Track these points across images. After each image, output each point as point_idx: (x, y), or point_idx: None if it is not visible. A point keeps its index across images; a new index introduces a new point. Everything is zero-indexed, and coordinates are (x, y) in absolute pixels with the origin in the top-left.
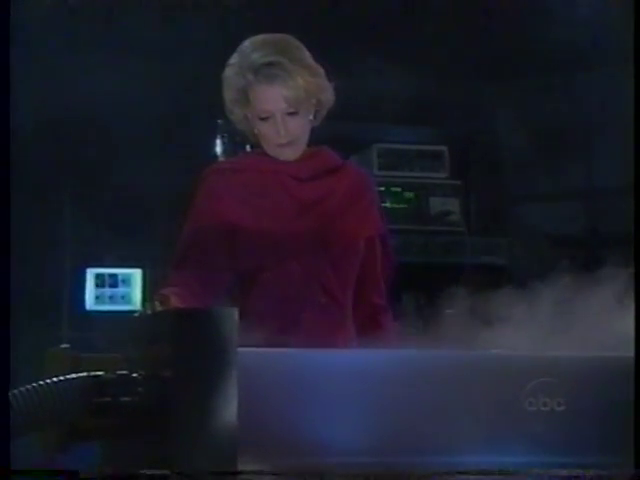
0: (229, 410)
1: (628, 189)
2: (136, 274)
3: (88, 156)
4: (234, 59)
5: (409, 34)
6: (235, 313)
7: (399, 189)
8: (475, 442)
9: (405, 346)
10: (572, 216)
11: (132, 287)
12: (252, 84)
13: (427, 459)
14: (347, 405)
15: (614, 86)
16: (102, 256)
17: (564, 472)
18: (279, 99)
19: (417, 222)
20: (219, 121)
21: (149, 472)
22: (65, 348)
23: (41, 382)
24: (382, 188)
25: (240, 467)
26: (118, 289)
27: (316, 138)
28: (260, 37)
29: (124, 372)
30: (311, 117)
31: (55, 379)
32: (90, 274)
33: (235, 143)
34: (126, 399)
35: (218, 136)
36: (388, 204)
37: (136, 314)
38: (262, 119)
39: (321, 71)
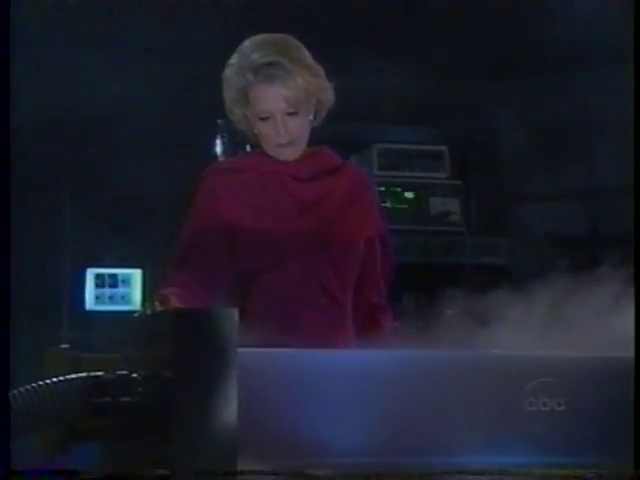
0: (229, 410)
1: (628, 189)
2: (136, 274)
3: (88, 156)
4: (234, 59)
5: (409, 34)
6: (235, 313)
7: (399, 189)
8: (475, 442)
9: (405, 346)
10: (572, 216)
11: (132, 287)
12: (252, 84)
13: (427, 459)
14: (347, 405)
15: (614, 86)
16: (102, 256)
17: (564, 472)
18: (279, 99)
19: (417, 222)
20: (219, 121)
21: (149, 472)
22: (65, 348)
23: (41, 382)
24: (382, 188)
25: (240, 467)
26: (118, 289)
27: (316, 138)
28: (260, 37)
29: (124, 372)
30: (311, 117)
31: (55, 379)
32: (90, 274)
33: (235, 143)
34: (126, 399)
35: (218, 136)
36: (388, 204)
37: (136, 314)
38: (262, 119)
39: (321, 71)
